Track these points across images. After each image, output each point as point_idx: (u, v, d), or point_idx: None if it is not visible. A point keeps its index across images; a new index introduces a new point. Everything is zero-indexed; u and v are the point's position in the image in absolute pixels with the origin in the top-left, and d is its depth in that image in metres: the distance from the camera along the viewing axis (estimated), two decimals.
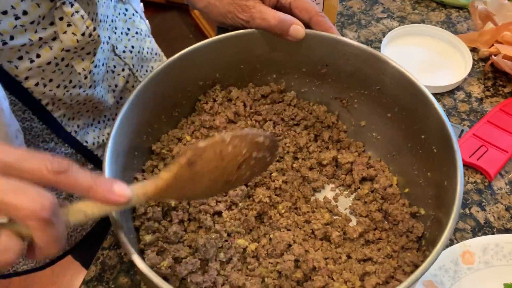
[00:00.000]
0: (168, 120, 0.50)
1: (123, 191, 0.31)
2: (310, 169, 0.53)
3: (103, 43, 0.54)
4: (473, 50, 0.69)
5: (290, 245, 0.46)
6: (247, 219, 0.47)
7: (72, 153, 0.61)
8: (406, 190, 0.50)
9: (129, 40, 0.62)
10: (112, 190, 0.31)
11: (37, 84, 0.49)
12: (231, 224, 0.46)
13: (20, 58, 0.47)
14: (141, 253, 0.44)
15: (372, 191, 0.51)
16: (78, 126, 0.60)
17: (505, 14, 0.68)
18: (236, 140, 0.34)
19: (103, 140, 0.64)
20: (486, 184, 0.55)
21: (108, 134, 0.48)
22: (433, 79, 0.65)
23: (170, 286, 0.33)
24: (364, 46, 0.48)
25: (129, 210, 0.45)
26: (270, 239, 0.47)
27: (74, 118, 0.58)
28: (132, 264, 0.49)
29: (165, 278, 0.42)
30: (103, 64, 0.56)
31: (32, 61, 0.48)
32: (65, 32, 0.48)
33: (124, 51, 0.61)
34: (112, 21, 0.58)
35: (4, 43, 0.44)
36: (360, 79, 0.50)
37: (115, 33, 0.60)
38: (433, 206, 0.45)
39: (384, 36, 0.69)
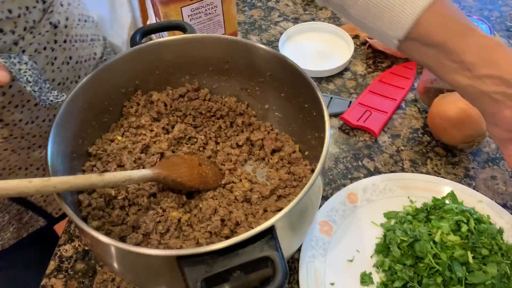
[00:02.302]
0: (99, 126, 0.59)
1: None
2: (231, 149, 0.63)
3: None
4: (356, 37, 0.82)
5: (216, 210, 0.55)
6: (178, 195, 0.56)
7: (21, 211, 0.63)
8: (306, 152, 0.61)
9: None
10: None
11: None
12: (165, 201, 0.55)
13: None
14: None
15: (281, 159, 0.62)
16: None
17: None
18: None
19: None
20: (373, 140, 0.68)
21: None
22: (325, 65, 0.77)
23: (110, 240, 0.41)
24: (249, 42, 0.59)
25: (76, 204, 0.53)
26: (200, 208, 0.56)
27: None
28: (86, 251, 0.57)
29: None
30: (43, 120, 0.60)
31: None
32: None
33: None
34: None
35: None
36: (255, 70, 0.61)
37: None
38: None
39: None
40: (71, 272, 0.55)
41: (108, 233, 0.52)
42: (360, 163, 0.65)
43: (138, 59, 0.59)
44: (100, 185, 0.46)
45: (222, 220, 0.54)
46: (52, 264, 0.56)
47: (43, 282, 0.55)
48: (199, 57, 0.62)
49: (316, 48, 0.81)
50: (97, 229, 0.52)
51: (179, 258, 0.39)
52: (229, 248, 0.39)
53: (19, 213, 0.69)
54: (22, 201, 0.67)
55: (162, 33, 0.73)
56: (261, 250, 0.40)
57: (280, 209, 0.56)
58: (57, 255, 0.57)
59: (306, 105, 0.57)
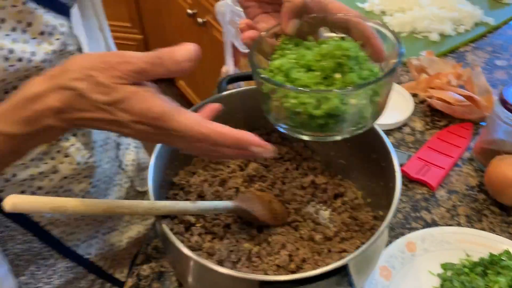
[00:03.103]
0: (184, 159, 0.66)
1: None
2: (297, 189, 0.69)
3: (105, 163, 0.61)
4: (414, 95, 0.88)
5: (284, 245, 0.60)
6: (251, 228, 0.62)
7: (73, 266, 0.65)
8: (369, 200, 0.65)
9: (130, 153, 0.69)
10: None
11: None
12: (238, 232, 0.61)
13: (22, 192, 0.53)
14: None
15: (343, 204, 0.67)
16: (79, 240, 0.64)
17: (435, 67, 0.88)
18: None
19: (107, 251, 0.68)
20: (431, 194, 0.71)
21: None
22: (385, 119, 0.83)
23: (203, 259, 0.46)
24: None
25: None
26: (269, 242, 0.61)
27: (75, 233, 0.63)
28: (162, 272, 0.63)
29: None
30: (103, 182, 0.63)
31: (33, 193, 0.53)
32: (62, 163, 0.54)
33: (127, 165, 0.67)
34: (114, 141, 0.65)
35: (7, 181, 0.50)
36: None
37: (119, 149, 0.67)
38: (386, 206, 0.60)
39: None
40: None
41: None
42: (418, 214, 0.69)
43: (227, 102, 0.66)
44: (193, 211, 0.52)
45: (290, 255, 0.59)
46: (130, 282, 0.62)
47: None
48: None
49: None
50: None
51: (262, 283, 0.44)
52: (310, 278, 0.44)
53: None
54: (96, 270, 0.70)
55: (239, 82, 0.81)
56: (337, 285, 0.44)
57: (343, 251, 0.60)
58: (135, 274, 0.63)
59: (373, 156, 0.62)
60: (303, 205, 0.67)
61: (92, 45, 0.59)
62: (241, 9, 0.74)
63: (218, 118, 0.45)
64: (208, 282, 0.50)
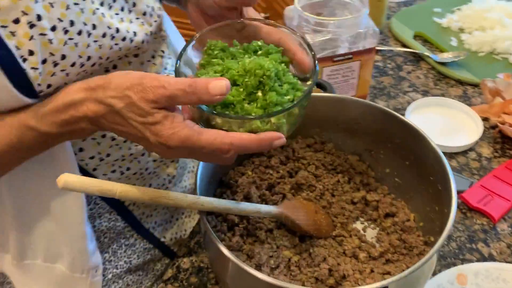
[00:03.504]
0: (235, 159, 0.66)
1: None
2: (346, 204, 0.66)
3: None
4: (485, 119, 0.82)
5: (325, 259, 0.59)
6: (292, 236, 0.61)
7: (150, 247, 0.68)
8: (421, 224, 0.62)
9: None
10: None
11: None
12: (280, 239, 0.60)
13: (113, 171, 0.57)
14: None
15: (393, 225, 0.64)
16: (155, 223, 0.67)
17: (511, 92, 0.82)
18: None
19: (180, 237, 0.71)
20: (491, 226, 0.66)
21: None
22: (449, 141, 0.78)
23: (239, 260, 0.46)
24: (388, 110, 0.63)
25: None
26: (310, 253, 0.60)
27: (152, 215, 0.66)
28: (201, 268, 0.63)
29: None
30: (181, 168, 0.66)
31: (122, 173, 0.57)
32: None
33: None
34: None
35: (101, 160, 0.54)
36: (384, 135, 0.65)
37: None
38: (439, 233, 0.57)
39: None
40: (185, 283, 0.61)
41: None
42: (474, 246, 0.64)
43: None
44: (235, 211, 0.52)
45: (330, 270, 0.57)
46: (170, 272, 0.63)
47: (160, 286, 0.62)
48: (333, 114, 0.67)
49: (442, 123, 0.82)
50: None
51: None
52: None
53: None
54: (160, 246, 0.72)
55: None
56: None
57: (387, 273, 0.57)
58: (175, 265, 0.64)
59: (431, 178, 0.59)
60: (351, 220, 0.65)
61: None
62: (310, 15, 0.74)
63: None
64: (245, 285, 0.50)
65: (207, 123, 0.44)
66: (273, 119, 0.43)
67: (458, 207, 0.69)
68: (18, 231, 0.57)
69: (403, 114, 0.83)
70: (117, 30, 0.48)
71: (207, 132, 0.40)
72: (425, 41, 1.02)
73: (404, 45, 1.01)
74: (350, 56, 0.76)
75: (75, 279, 0.60)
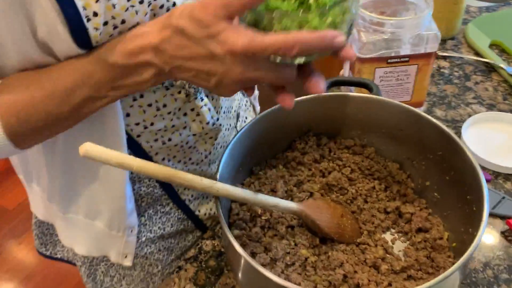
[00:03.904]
0: (268, 151, 0.66)
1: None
2: (377, 212, 0.64)
3: (225, 129, 0.67)
4: None
5: (342, 264, 0.57)
6: (313, 236, 0.59)
7: (184, 218, 0.70)
8: (454, 244, 0.58)
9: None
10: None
11: (163, 159, 0.62)
12: (299, 237, 0.59)
13: (156, 140, 0.59)
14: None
15: (424, 241, 0.60)
16: (192, 196, 0.69)
17: None
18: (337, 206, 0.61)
19: (214, 213, 0.72)
20: None
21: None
22: (508, 161, 0.72)
23: (245, 252, 0.46)
24: (433, 120, 0.59)
25: (228, 209, 0.60)
26: (328, 256, 0.58)
27: (190, 188, 0.68)
28: (221, 252, 0.65)
29: None
30: (221, 147, 0.69)
31: (163, 143, 0.59)
32: (194, 121, 0.60)
33: None
34: (234, 111, 0.71)
35: (145, 128, 0.57)
36: (427, 145, 0.61)
37: (238, 120, 0.73)
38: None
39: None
40: (204, 265, 0.63)
41: (243, 245, 0.58)
42: None
43: (319, 105, 0.64)
44: (252, 202, 0.52)
45: (345, 276, 0.55)
46: (192, 252, 0.65)
47: (180, 263, 0.64)
48: (376, 117, 0.64)
49: (504, 141, 0.76)
50: (236, 237, 0.58)
51: None
52: None
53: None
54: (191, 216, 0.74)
55: (350, 87, 0.78)
56: None
57: None
58: (198, 246, 0.66)
59: (468, 197, 0.54)
60: (380, 230, 0.62)
61: None
62: (365, 11, 0.71)
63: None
64: (251, 280, 0.50)
65: (264, 29, 0.43)
66: (330, 17, 0.41)
67: (503, 232, 0.64)
68: (64, 185, 0.62)
69: (460, 127, 0.77)
70: (174, 4, 0.50)
71: (270, 34, 0.40)
72: (502, 51, 0.94)
73: (477, 54, 0.94)
74: (407, 59, 0.72)
75: (111, 237, 0.64)
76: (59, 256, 0.76)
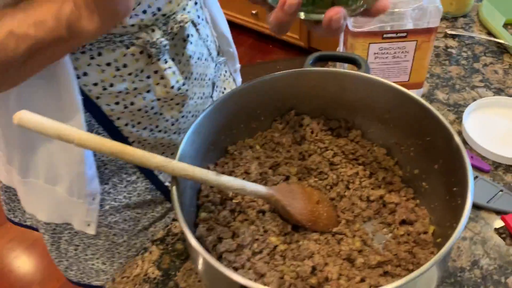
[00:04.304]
0: (246, 129, 0.61)
1: None
2: (359, 200, 0.59)
3: (197, 98, 0.63)
4: None
5: (312, 255, 0.52)
6: (285, 223, 0.55)
7: (152, 189, 0.67)
8: (439, 240, 0.52)
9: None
10: None
11: (126, 125, 0.59)
12: (269, 223, 0.55)
13: (117, 103, 0.56)
14: (195, 226, 0.54)
15: (408, 234, 0.55)
16: None
17: None
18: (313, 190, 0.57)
19: None
20: None
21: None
22: (509, 151, 0.65)
23: (202, 249, 0.42)
24: (421, 101, 0.53)
25: (197, 190, 0.56)
26: (299, 245, 0.54)
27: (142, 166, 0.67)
28: None
29: (207, 250, 0.52)
30: (192, 116, 0.64)
31: (126, 107, 0.56)
32: (157, 84, 0.56)
33: None
34: (209, 79, 0.66)
35: (104, 89, 0.54)
36: (416, 130, 0.55)
37: (215, 90, 0.69)
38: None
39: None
40: (170, 248, 0.59)
41: (210, 229, 0.54)
42: (503, 279, 0.53)
43: (302, 81, 0.59)
44: (214, 184, 0.48)
45: (314, 268, 0.51)
46: (161, 234, 0.61)
47: (147, 245, 0.60)
48: (362, 97, 0.59)
49: (509, 129, 0.69)
50: (203, 221, 0.54)
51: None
52: None
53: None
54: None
55: (343, 64, 0.72)
56: None
57: (379, 286, 0.50)
58: (167, 227, 0.62)
59: (454, 189, 0.49)
60: (360, 219, 0.57)
61: None
62: None
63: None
64: (196, 264, 0.46)
65: None
66: None
67: (497, 229, 0.58)
68: (22, 148, 0.59)
69: (462, 112, 0.71)
70: None
71: None
72: None
73: (489, 34, 0.86)
74: (405, 34, 0.66)
75: (73, 203, 0.61)
76: (28, 223, 0.75)
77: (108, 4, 0.39)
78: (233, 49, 0.74)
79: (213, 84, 0.70)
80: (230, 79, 0.75)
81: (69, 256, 0.70)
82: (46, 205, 0.64)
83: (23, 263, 1.66)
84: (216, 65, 0.70)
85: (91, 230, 0.64)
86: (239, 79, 0.79)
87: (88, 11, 0.40)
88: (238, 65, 0.77)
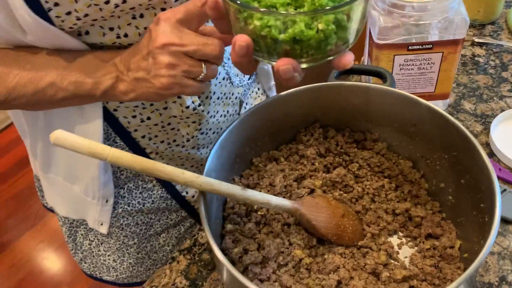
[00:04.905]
0: (270, 142, 0.62)
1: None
2: (385, 213, 0.59)
3: (216, 116, 0.64)
4: None
5: (338, 269, 0.53)
6: (309, 236, 0.55)
7: (168, 197, 0.68)
8: (466, 255, 0.52)
9: None
10: None
11: (143, 137, 0.61)
12: (295, 236, 0.55)
13: (134, 116, 0.58)
14: (221, 237, 0.55)
15: (434, 248, 0.55)
16: None
17: None
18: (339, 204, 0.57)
19: None
20: None
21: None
22: None
23: (230, 264, 0.43)
24: (447, 116, 0.53)
25: (223, 201, 0.57)
26: (324, 259, 0.54)
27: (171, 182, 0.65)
28: None
29: (232, 262, 0.53)
30: (213, 133, 0.65)
31: (142, 121, 0.58)
32: (174, 102, 0.57)
33: None
34: (236, 97, 0.67)
35: (121, 102, 0.56)
36: (442, 144, 0.55)
37: (244, 107, 0.69)
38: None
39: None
40: (197, 258, 0.61)
41: (236, 240, 0.55)
42: None
43: (327, 93, 0.59)
44: (240, 198, 0.49)
45: (339, 282, 0.51)
46: (187, 243, 0.63)
47: (174, 254, 0.62)
48: (387, 110, 0.59)
49: None
50: (229, 232, 0.55)
51: None
52: None
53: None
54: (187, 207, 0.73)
55: (368, 77, 0.72)
56: None
57: None
58: (194, 237, 0.63)
59: (482, 205, 0.49)
60: (385, 233, 0.57)
61: None
62: None
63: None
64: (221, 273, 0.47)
65: (244, 25, 0.38)
66: (321, 25, 0.36)
67: None
68: (45, 147, 0.63)
69: (490, 122, 0.70)
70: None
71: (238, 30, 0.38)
72: None
73: None
74: (430, 46, 0.65)
75: (87, 203, 0.65)
76: None
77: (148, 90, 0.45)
78: (267, 66, 0.75)
79: (241, 102, 0.70)
80: (263, 97, 0.76)
81: (83, 249, 0.73)
82: (64, 200, 0.68)
83: (52, 264, 1.71)
84: (246, 84, 0.70)
85: (104, 230, 0.67)
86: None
87: (129, 88, 0.46)
88: (272, 82, 0.78)
